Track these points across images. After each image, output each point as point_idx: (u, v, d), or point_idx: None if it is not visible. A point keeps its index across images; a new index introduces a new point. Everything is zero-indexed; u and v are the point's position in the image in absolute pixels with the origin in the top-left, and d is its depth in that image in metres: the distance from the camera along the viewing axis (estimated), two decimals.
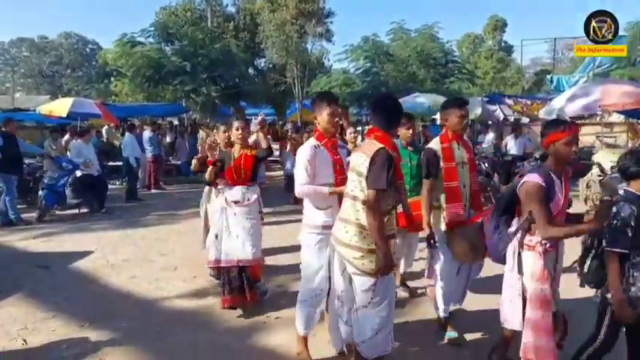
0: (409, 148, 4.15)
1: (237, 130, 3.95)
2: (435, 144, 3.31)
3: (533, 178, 2.43)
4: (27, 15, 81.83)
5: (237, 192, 3.95)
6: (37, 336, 3.54)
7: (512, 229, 2.64)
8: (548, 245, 2.49)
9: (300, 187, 2.94)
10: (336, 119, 3.01)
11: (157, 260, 5.53)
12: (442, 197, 3.28)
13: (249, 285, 3.92)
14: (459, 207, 3.21)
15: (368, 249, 2.48)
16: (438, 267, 3.36)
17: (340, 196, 2.81)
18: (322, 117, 2.95)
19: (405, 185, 3.33)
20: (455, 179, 3.21)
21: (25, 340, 3.46)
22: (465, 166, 3.29)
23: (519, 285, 2.59)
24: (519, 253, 2.57)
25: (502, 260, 2.72)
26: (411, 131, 4.13)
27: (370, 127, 2.70)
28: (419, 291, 4.32)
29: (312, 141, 3.03)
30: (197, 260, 5.40)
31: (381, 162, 2.40)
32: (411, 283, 4.44)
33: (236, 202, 3.92)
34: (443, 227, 3.27)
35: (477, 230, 3.02)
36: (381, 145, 2.47)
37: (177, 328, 3.69)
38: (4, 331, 3.63)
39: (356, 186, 2.52)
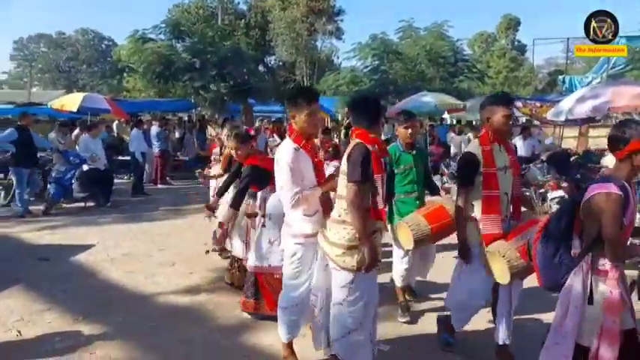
0: (411, 151, 3.77)
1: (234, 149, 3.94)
2: (474, 147, 2.92)
3: (610, 189, 2.02)
4: (46, 12, 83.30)
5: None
6: (32, 328, 3.59)
7: (577, 249, 2.17)
8: (619, 268, 2.11)
9: (295, 195, 2.61)
10: (317, 120, 2.81)
11: (156, 255, 5.58)
12: (477, 207, 2.89)
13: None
14: (497, 219, 2.82)
15: (349, 245, 2.51)
16: (465, 289, 2.98)
17: (325, 201, 2.74)
18: (301, 117, 2.68)
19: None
20: (495, 187, 2.81)
21: (19, 332, 3.52)
22: (508, 170, 2.91)
23: (577, 318, 2.11)
24: (589, 280, 2.10)
25: (558, 288, 2.23)
26: (410, 131, 3.72)
27: (353, 127, 2.72)
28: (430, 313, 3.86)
29: (289, 143, 2.74)
30: (195, 256, 5.47)
31: (357, 155, 2.47)
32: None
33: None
34: (477, 241, 2.88)
35: (519, 247, 2.62)
36: (359, 141, 2.54)
37: (170, 323, 3.72)
38: (0, 322, 3.70)
39: (343, 185, 2.55)
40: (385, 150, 2.91)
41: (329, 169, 4.10)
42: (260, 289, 3.65)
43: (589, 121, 10.16)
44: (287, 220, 2.85)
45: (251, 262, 3.68)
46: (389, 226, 3.66)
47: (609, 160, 7.65)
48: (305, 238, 2.76)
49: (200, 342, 3.41)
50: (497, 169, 2.83)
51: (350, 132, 2.80)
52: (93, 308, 3.96)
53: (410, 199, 3.73)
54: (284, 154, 2.69)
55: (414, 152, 3.78)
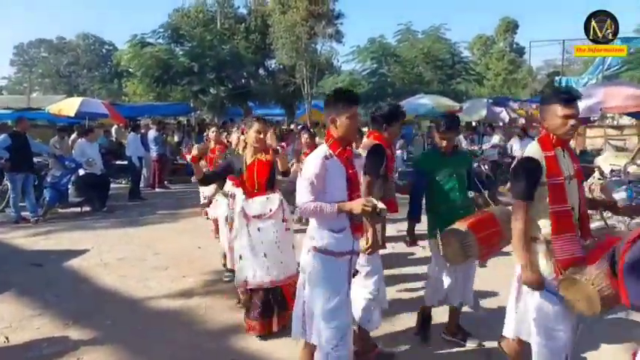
0: (451, 156, 3.31)
1: (258, 133, 3.48)
2: (534, 151, 2.40)
3: None
4: (46, 16, 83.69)
5: (257, 204, 3.49)
6: (20, 334, 3.59)
7: None
8: None
9: (302, 205, 2.40)
10: (357, 125, 2.55)
11: (150, 259, 5.57)
12: (543, 225, 2.38)
13: (280, 309, 3.48)
14: (573, 238, 2.33)
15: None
16: (537, 323, 2.40)
17: (354, 218, 2.47)
18: (341, 121, 2.43)
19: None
20: (564, 200, 2.34)
21: (7, 338, 3.51)
22: (573, 180, 2.43)
23: None
24: None
25: None
26: (445, 143, 3.26)
27: (369, 130, 3.28)
28: (485, 343, 3.33)
29: (322, 150, 2.48)
30: (188, 260, 5.47)
31: (376, 154, 2.95)
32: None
33: (258, 217, 3.45)
34: (547, 268, 2.36)
35: (605, 269, 2.20)
36: (377, 142, 3.07)
37: (159, 327, 3.72)
38: None
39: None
40: (392, 152, 3.34)
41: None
42: (287, 301, 3.46)
43: (584, 121, 10.16)
44: (311, 231, 2.53)
45: (269, 277, 3.43)
46: (429, 241, 3.33)
47: (602, 160, 7.67)
48: (327, 254, 2.44)
49: (186, 346, 3.41)
50: (564, 178, 2.37)
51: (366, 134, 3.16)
52: (84, 313, 3.96)
53: (453, 209, 3.22)
54: (311, 159, 2.46)
55: (455, 157, 3.36)
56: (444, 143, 3.27)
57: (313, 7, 18.51)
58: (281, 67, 21.02)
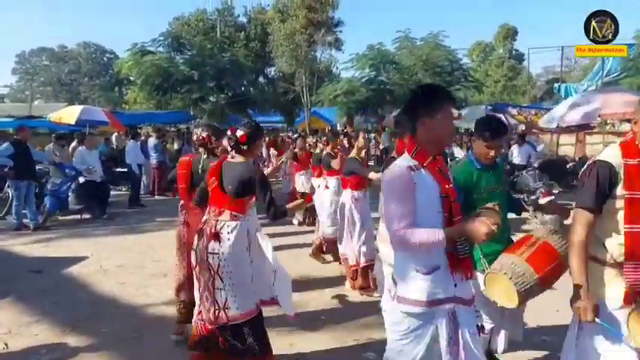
0: (493, 169, 2.74)
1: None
2: (613, 155, 1.96)
3: None
4: (48, 25, 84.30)
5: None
6: (19, 340, 3.59)
7: None
8: None
9: (400, 231, 1.79)
10: (453, 126, 1.99)
11: (149, 266, 5.58)
12: (610, 246, 1.98)
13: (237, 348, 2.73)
14: None
15: None
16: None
17: (457, 251, 1.87)
18: (436, 121, 1.86)
19: None
20: None
21: (6, 345, 3.52)
22: None
23: None
24: None
25: None
26: (492, 152, 2.68)
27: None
28: None
29: (405, 159, 1.92)
30: None
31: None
32: None
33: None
34: (613, 297, 1.96)
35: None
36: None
37: (156, 334, 3.71)
38: None
39: None
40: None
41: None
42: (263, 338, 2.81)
43: (584, 127, 10.21)
44: (385, 266, 2.15)
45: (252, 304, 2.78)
46: (477, 274, 2.50)
47: None
48: (419, 305, 1.84)
49: (185, 353, 3.39)
50: None
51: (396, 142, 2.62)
52: (82, 320, 3.96)
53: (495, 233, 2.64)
54: (392, 171, 1.90)
55: (496, 170, 2.77)
56: (492, 153, 2.67)
57: (313, 15, 18.68)
58: (280, 74, 21.18)
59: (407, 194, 1.80)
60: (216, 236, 2.71)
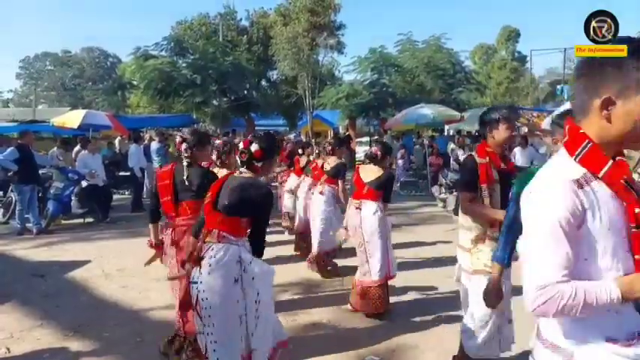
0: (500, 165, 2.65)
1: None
2: None
3: None
4: (52, 30, 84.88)
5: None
6: (21, 344, 3.60)
7: None
8: None
9: (547, 291, 1.13)
10: None
11: (151, 270, 5.54)
12: None
13: None
14: None
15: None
16: None
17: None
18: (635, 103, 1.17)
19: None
20: None
21: (8, 349, 3.52)
22: None
23: None
24: None
25: None
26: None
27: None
28: None
29: (564, 167, 1.23)
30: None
31: (462, 168, 2.94)
32: None
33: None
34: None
35: None
36: (469, 154, 2.87)
37: (159, 338, 3.69)
38: None
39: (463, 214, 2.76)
40: (498, 160, 2.63)
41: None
42: None
43: None
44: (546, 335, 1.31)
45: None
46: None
47: None
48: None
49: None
50: None
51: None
52: (84, 324, 3.97)
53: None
54: (542, 191, 1.21)
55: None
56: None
57: (315, 18, 18.72)
58: (283, 78, 21.22)
59: (566, 227, 1.12)
60: (198, 261, 2.26)
